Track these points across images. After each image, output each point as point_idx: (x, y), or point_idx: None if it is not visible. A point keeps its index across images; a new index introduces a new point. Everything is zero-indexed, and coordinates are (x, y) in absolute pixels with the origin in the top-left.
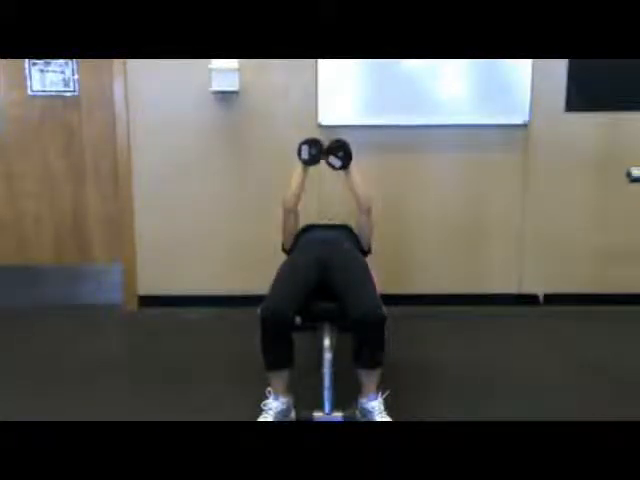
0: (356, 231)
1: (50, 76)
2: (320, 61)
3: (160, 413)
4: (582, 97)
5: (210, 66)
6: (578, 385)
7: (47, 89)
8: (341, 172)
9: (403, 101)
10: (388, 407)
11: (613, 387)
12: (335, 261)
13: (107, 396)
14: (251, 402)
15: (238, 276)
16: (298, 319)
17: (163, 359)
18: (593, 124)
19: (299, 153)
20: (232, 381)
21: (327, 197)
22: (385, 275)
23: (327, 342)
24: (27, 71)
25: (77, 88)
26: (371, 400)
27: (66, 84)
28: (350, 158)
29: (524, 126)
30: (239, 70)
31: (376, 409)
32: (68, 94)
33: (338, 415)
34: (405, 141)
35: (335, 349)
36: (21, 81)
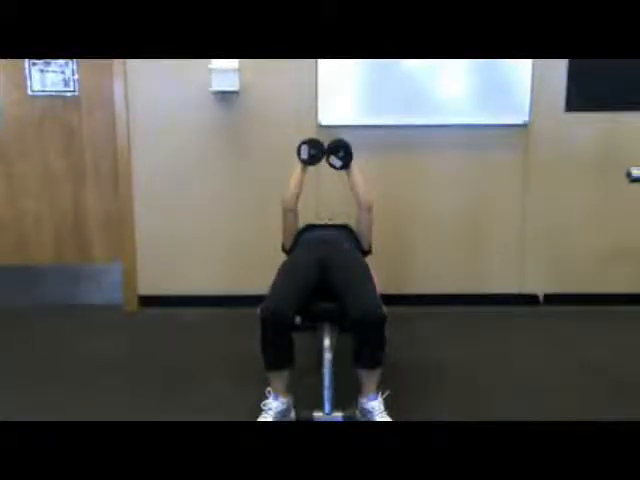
0: (356, 231)
1: (50, 76)
2: (320, 61)
3: (160, 413)
4: (582, 97)
5: (210, 66)
6: (578, 385)
7: (47, 89)
8: (341, 171)
9: (403, 101)
10: (388, 407)
11: (613, 387)
12: (335, 261)
13: (107, 396)
14: (251, 402)
15: (238, 276)
16: (298, 319)
17: (163, 359)
18: (593, 124)
19: (298, 153)
20: (232, 381)
21: (325, 197)
22: (385, 275)
23: (327, 342)
24: (27, 71)
25: (77, 88)
26: (371, 400)
27: (66, 84)
28: (351, 158)
29: (524, 126)
30: (239, 70)
31: (376, 409)
32: (68, 94)
33: (338, 415)
34: (405, 141)
35: (335, 349)
36: (21, 81)
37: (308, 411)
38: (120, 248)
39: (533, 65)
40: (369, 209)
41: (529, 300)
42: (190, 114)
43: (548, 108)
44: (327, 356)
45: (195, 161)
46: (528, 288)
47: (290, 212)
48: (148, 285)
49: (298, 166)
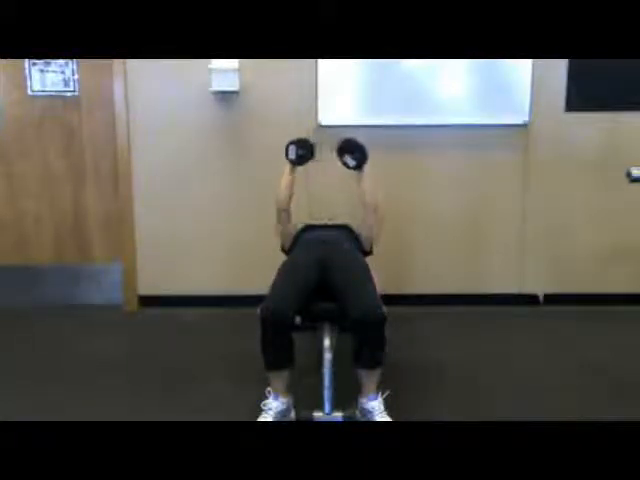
0: (358, 231)
1: (50, 76)
2: (320, 61)
3: (160, 413)
4: (582, 97)
5: (210, 66)
6: (578, 385)
7: (47, 89)
8: (337, 172)
9: (403, 101)
10: (388, 407)
11: (613, 387)
12: (335, 261)
13: (107, 396)
14: (251, 402)
15: (238, 276)
16: (298, 319)
17: (163, 359)
18: (593, 124)
19: (286, 153)
20: (232, 381)
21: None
22: (385, 275)
23: (327, 342)
24: (27, 71)
25: (77, 88)
26: (371, 400)
27: (66, 84)
28: (366, 160)
29: (524, 126)
30: (239, 70)
31: (376, 409)
32: (68, 94)
33: (338, 415)
34: (405, 141)
35: (335, 349)
36: (21, 81)
37: (308, 411)
38: (120, 248)
39: (533, 65)
40: (374, 210)
41: (529, 300)
42: (190, 114)
43: (548, 108)
44: (327, 356)
45: (195, 161)
46: (528, 288)
47: (284, 212)
48: (148, 285)
49: (287, 166)
